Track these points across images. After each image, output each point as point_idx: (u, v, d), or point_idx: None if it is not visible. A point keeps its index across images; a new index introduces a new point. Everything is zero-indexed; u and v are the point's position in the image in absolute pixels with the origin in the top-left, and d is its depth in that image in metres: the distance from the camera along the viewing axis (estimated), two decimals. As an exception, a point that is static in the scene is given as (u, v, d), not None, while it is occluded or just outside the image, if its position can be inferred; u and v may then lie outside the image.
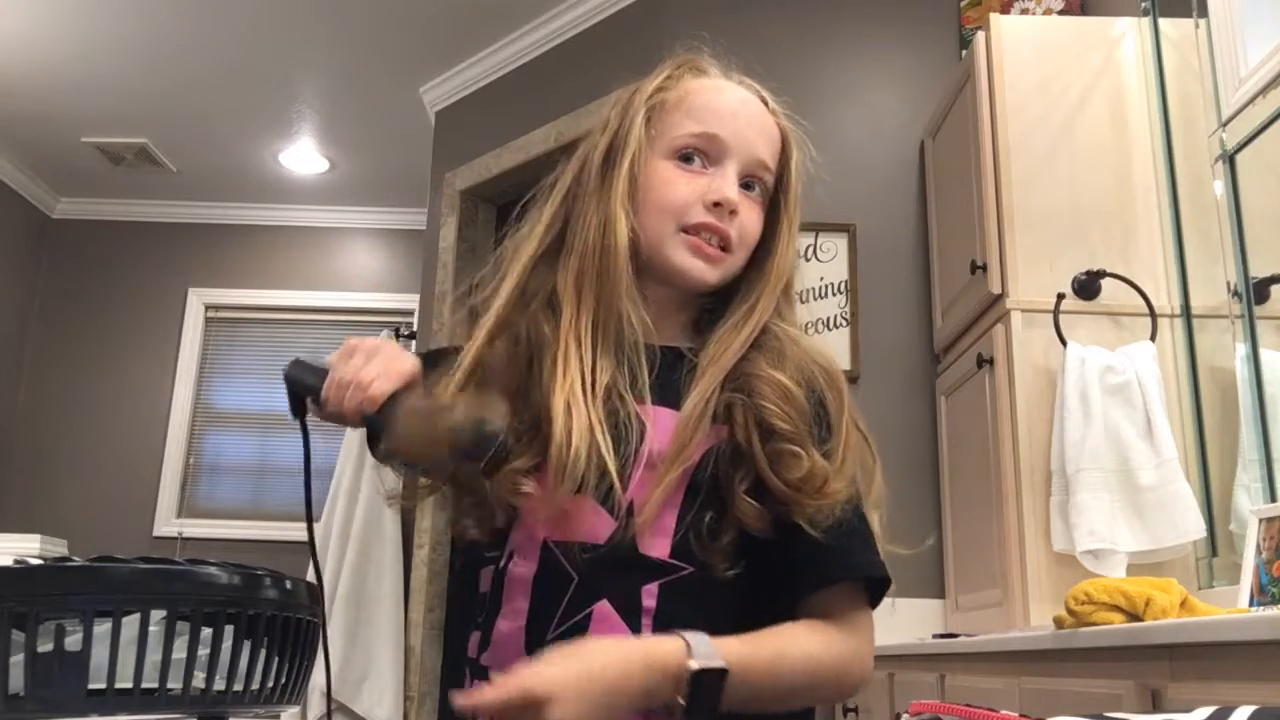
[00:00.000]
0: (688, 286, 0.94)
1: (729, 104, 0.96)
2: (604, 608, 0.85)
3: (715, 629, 0.85)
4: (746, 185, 0.95)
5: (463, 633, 0.96)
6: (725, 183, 0.93)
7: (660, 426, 0.88)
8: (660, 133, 0.95)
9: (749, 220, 0.94)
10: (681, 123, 0.95)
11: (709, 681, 0.77)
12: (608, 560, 0.85)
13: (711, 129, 0.94)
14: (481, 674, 0.89)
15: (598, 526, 0.86)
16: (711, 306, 0.98)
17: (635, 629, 0.84)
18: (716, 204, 0.92)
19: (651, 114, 0.96)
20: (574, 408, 0.86)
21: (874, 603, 0.89)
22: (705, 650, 0.78)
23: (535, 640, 0.85)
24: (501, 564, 0.91)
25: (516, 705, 0.72)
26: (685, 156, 0.94)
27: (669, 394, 0.90)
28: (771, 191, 0.97)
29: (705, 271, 0.93)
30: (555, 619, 0.85)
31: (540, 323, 0.93)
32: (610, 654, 0.77)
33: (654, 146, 0.94)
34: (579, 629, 0.84)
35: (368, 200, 5.01)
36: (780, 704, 0.85)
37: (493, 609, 0.90)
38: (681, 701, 0.77)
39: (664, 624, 0.83)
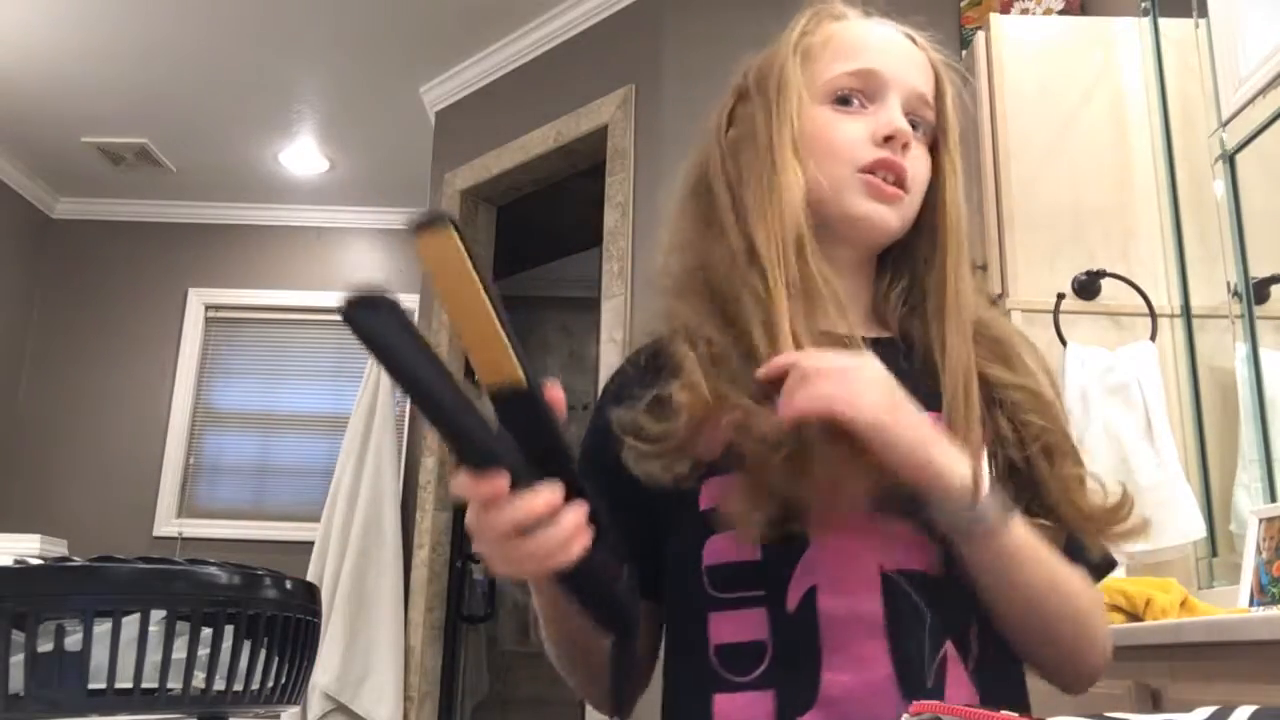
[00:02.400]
0: (869, 237, 0.86)
1: (879, 39, 0.89)
2: (951, 649, 0.76)
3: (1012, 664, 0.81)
4: (911, 125, 0.87)
5: (685, 699, 0.79)
6: (892, 115, 0.85)
7: None
8: (811, 80, 0.87)
9: (919, 160, 0.87)
10: (832, 64, 0.87)
11: (988, 512, 0.72)
12: (948, 594, 0.76)
13: (865, 64, 0.86)
14: None
15: (923, 554, 0.77)
16: (905, 295, 0.89)
17: (969, 669, 0.76)
18: (888, 138, 0.84)
19: (801, 62, 0.88)
20: None
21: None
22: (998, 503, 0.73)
23: (914, 693, 0.72)
24: (793, 604, 0.75)
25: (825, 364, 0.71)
26: (842, 99, 0.86)
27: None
28: (933, 132, 0.89)
29: (887, 215, 0.85)
30: (924, 665, 0.74)
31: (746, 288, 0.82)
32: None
33: (808, 95, 0.86)
34: (940, 675, 0.74)
35: (368, 200, 5.01)
36: (1040, 613, 0.76)
37: (802, 660, 0.74)
38: (985, 492, 0.72)
39: (982, 661, 0.77)
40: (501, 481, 0.59)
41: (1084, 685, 0.83)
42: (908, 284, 0.89)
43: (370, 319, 0.53)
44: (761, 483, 0.73)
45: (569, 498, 0.61)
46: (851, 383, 0.71)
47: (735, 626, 0.77)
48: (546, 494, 0.60)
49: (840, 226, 0.85)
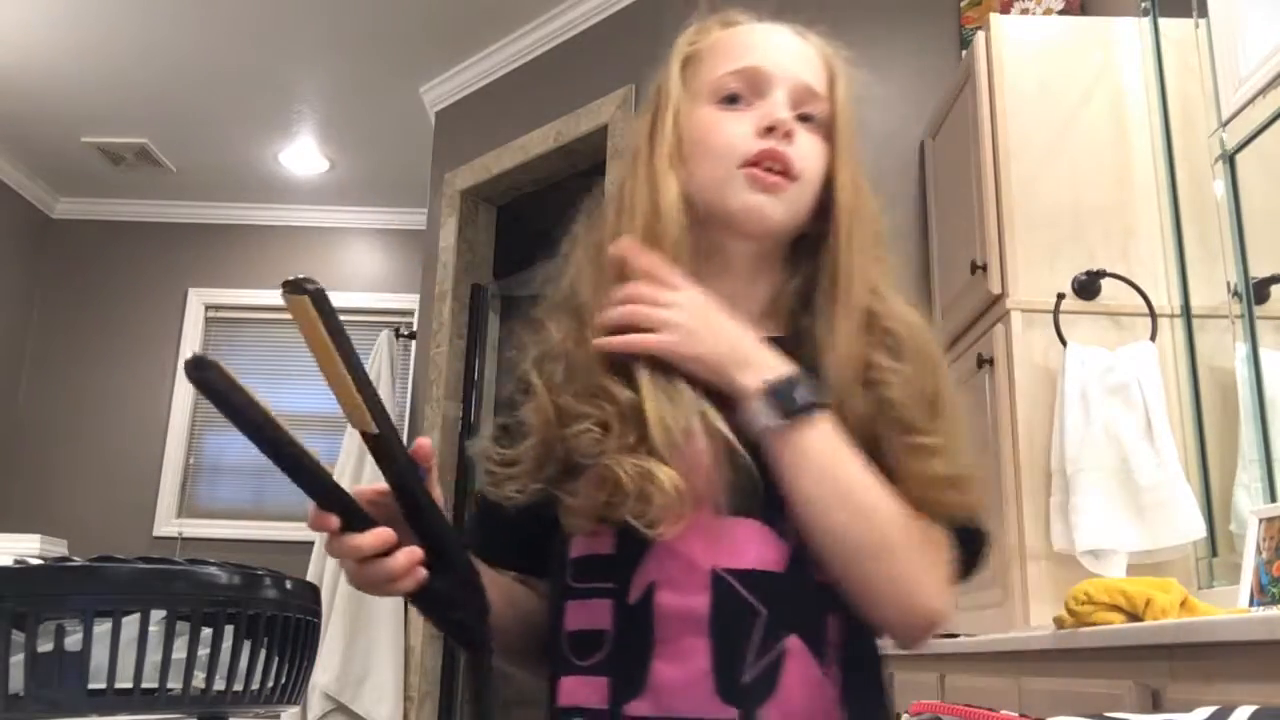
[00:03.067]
0: (754, 230, 0.87)
1: (764, 39, 0.91)
2: (795, 643, 0.78)
3: (878, 659, 0.84)
4: (804, 118, 0.88)
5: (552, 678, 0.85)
6: (775, 107, 0.86)
7: None
8: (698, 83, 0.89)
9: (808, 149, 0.87)
10: (717, 66, 0.89)
11: (800, 401, 0.77)
12: (790, 590, 0.79)
13: (749, 62, 0.88)
14: None
15: (768, 552, 0.79)
16: (800, 289, 0.89)
17: (824, 664, 0.78)
18: (769, 129, 0.85)
19: (686, 68, 0.91)
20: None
21: (969, 564, 0.85)
22: (812, 386, 0.79)
23: (728, 684, 0.76)
24: (634, 598, 0.80)
25: (654, 280, 0.79)
26: (729, 98, 0.88)
27: None
28: (828, 122, 0.90)
29: (768, 206, 0.85)
30: (748, 659, 0.77)
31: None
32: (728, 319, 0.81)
33: (695, 99, 0.89)
34: (773, 668, 0.77)
35: (368, 200, 5.01)
36: (844, 531, 0.78)
37: (636, 650, 0.79)
38: (766, 392, 0.77)
39: (847, 659, 0.79)
40: (332, 520, 0.70)
41: (910, 634, 0.82)
42: (805, 277, 0.89)
43: (210, 377, 0.64)
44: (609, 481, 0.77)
45: (423, 531, 0.73)
46: (665, 318, 0.79)
47: (584, 615, 0.82)
48: (374, 537, 0.71)
49: (725, 222, 0.86)
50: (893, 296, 0.87)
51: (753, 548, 0.79)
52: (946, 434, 0.82)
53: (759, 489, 0.78)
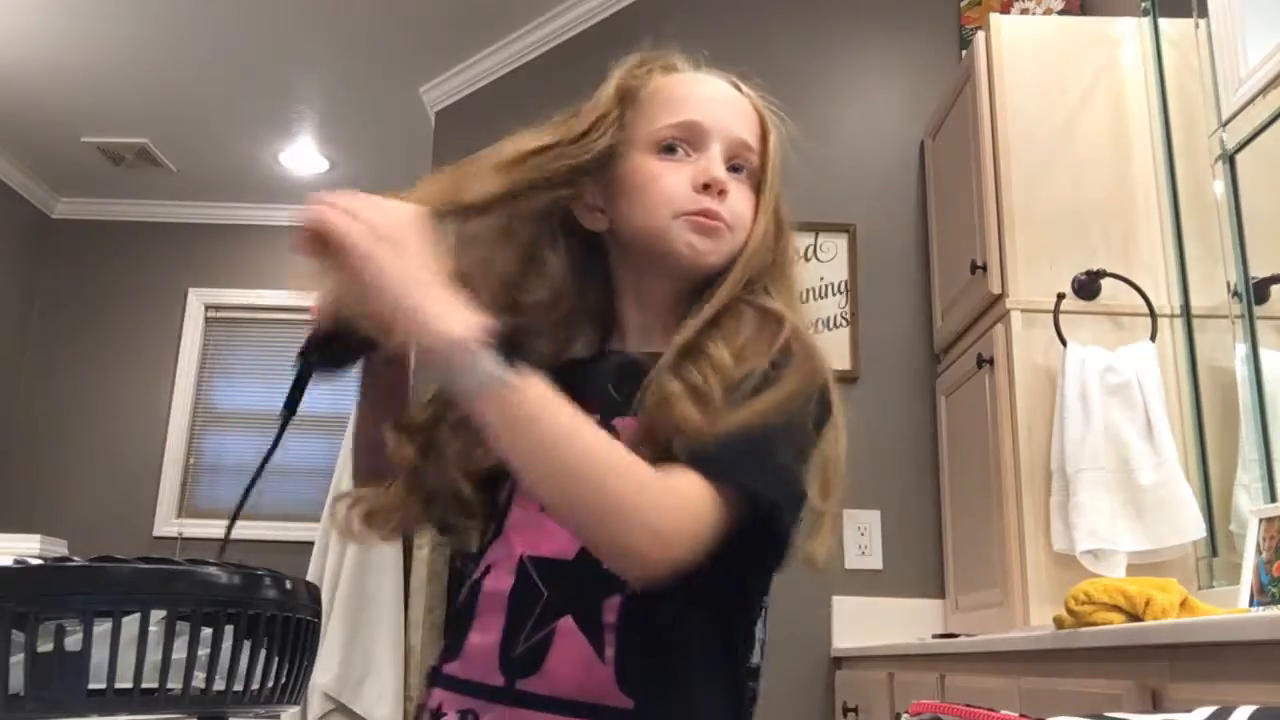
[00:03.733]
0: (690, 270, 0.92)
1: (703, 91, 0.97)
2: (567, 623, 0.84)
3: (684, 646, 0.85)
4: (735, 169, 0.94)
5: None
6: (712, 164, 0.92)
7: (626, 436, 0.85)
8: (637, 129, 0.94)
9: (739, 201, 0.93)
10: (657, 116, 0.94)
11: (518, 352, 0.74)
12: (573, 575, 0.85)
13: (689, 116, 0.93)
14: (447, 684, 0.90)
15: (565, 541, 0.86)
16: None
17: (598, 645, 0.83)
18: (706, 185, 0.91)
19: (624, 102, 0.95)
20: None
21: (749, 521, 0.77)
22: (503, 356, 0.74)
23: (506, 655, 0.86)
24: (476, 578, 0.92)
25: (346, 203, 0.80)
26: (668, 148, 0.93)
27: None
28: (759, 174, 0.96)
29: (710, 247, 0.91)
30: (523, 635, 0.85)
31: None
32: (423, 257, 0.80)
33: (634, 144, 0.93)
34: (544, 644, 0.85)
35: (368, 200, 5.01)
36: (549, 465, 0.75)
37: (465, 622, 0.91)
38: (488, 344, 0.73)
39: (626, 640, 0.83)
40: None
41: (635, 570, 0.77)
42: (693, 300, 0.93)
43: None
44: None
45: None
46: (361, 213, 0.80)
47: (466, 594, 0.94)
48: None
49: (663, 263, 0.92)
50: (782, 304, 0.91)
51: (555, 537, 0.86)
52: (735, 398, 0.80)
53: None
